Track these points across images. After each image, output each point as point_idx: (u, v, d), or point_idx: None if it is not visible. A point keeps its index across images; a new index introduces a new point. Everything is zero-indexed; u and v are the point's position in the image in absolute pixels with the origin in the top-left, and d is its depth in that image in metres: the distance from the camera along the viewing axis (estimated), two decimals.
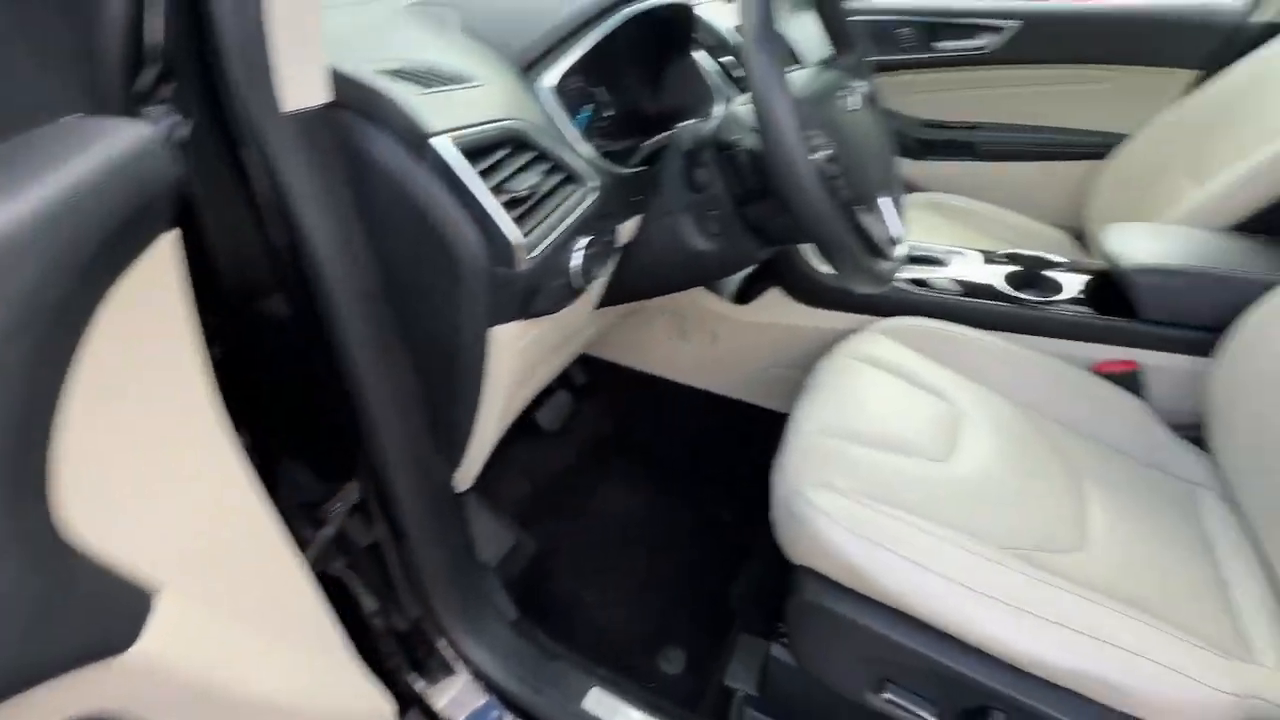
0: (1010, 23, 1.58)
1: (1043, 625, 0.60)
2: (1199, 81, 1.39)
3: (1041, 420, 0.89)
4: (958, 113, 1.73)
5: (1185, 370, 0.90)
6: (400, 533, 0.71)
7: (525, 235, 0.52)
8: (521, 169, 0.55)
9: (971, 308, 1.02)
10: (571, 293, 0.60)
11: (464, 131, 0.51)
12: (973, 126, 1.72)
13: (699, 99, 0.89)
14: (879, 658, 0.68)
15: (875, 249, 0.72)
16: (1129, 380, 0.93)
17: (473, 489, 0.84)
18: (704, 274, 0.78)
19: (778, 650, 0.80)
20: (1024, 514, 0.73)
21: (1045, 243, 1.43)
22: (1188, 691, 0.55)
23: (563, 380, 1.34)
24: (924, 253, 1.13)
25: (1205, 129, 1.24)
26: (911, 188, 1.78)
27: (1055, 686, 0.59)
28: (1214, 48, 1.41)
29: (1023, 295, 1.00)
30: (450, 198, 0.50)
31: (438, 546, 0.75)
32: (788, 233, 0.69)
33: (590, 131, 0.82)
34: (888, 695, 0.68)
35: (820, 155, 0.60)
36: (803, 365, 0.98)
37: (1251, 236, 1.00)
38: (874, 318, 1.04)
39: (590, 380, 1.41)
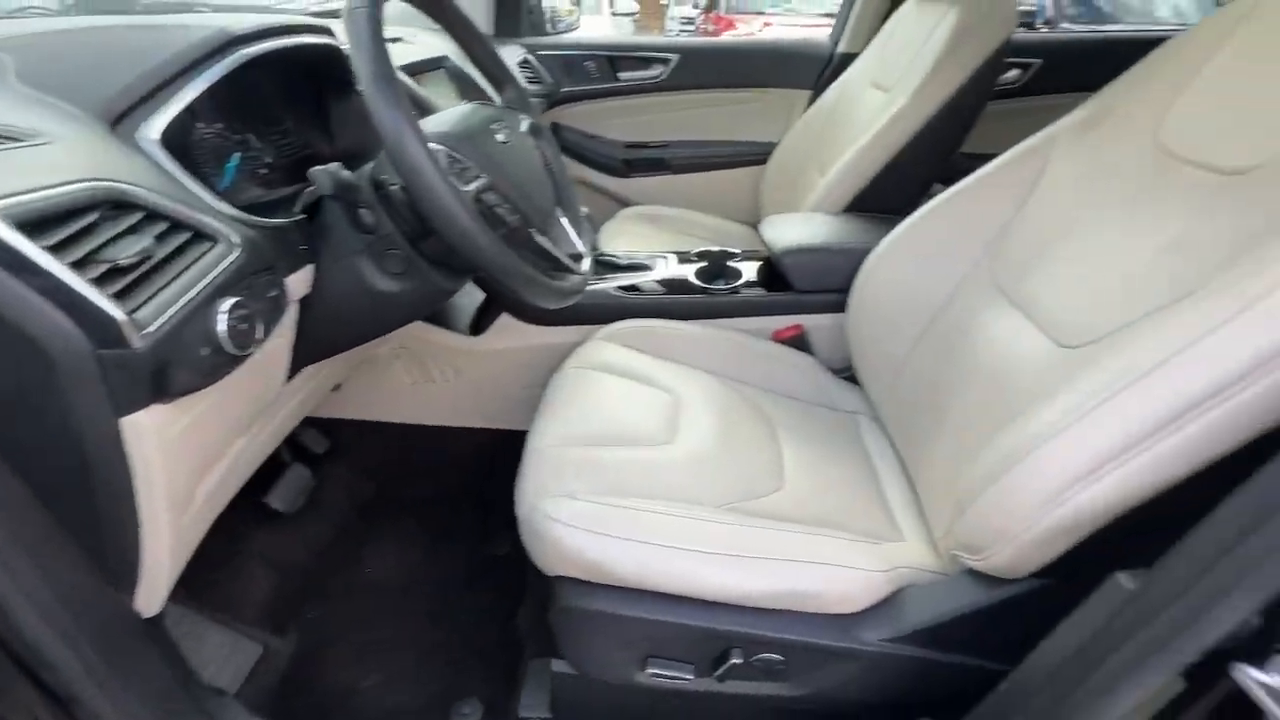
0: (672, 55, 1.83)
1: (754, 563, 0.69)
2: (813, 98, 1.75)
3: (741, 387, 1.04)
4: (652, 133, 1.95)
5: (834, 326, 1.13)
6: (68, 698, 0.57)
7: (137, 308, 0.46)
8: (126, 233, 0.48)
9: (674, 303, 1.15)
10: (229, 360, 0.54)
11: (22, 199, 0.43)
12: (665, 144, 1.95)
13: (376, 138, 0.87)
14: (637, 638, 0.73)
15: (561, 265, 0.78)
16: (799, 341, 1.14)
17: (183, 604, 0.71)
18: (402, 313, 0.77)
19: (558, 664, 0.82)
20: (734, 472, 0.84)
21: (734, 238, 1.67)
22: (854, 580, 0.68)
23: (297, 453, 1.20)
24: (633, 261, 1.25)
25: (821, 134, 1.57)
26: (624, 202, 1.96)
27: (772, 611, 0.70)
28: (817, 72, 1.80)
29: (712, 286, 1.16)
30: (16, 281, 0.42)
31: (129, 695, 0.62)
32: (472, 263, 0.71)
33: (243, 181, 0.75)
34: (651, 670, 0.73)
35: (474, 186, 0.63)
36: (545, 383, 1.01)
37: (859, 215, 1.29)
38: (598, 326, 1.12)
39: (334, 445, 1.28)
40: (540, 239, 0.73)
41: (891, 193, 1.27)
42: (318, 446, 1.23)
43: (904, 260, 0.97)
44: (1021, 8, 4.88)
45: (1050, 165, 0.85)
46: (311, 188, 0.65)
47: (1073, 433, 0.55)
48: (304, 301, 0.69)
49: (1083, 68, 1.59)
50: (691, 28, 7.97)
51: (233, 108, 0.74)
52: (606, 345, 1.06)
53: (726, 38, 5.57)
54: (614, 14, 6.38)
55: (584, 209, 1.17)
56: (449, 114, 0.72)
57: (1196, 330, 0.51)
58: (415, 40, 1.19)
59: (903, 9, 1.45)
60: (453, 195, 0.56)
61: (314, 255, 0.68)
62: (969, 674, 0.69)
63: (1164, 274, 0.61)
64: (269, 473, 1.14)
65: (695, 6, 9.01)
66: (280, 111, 0.84)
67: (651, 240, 1.60)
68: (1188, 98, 0.70)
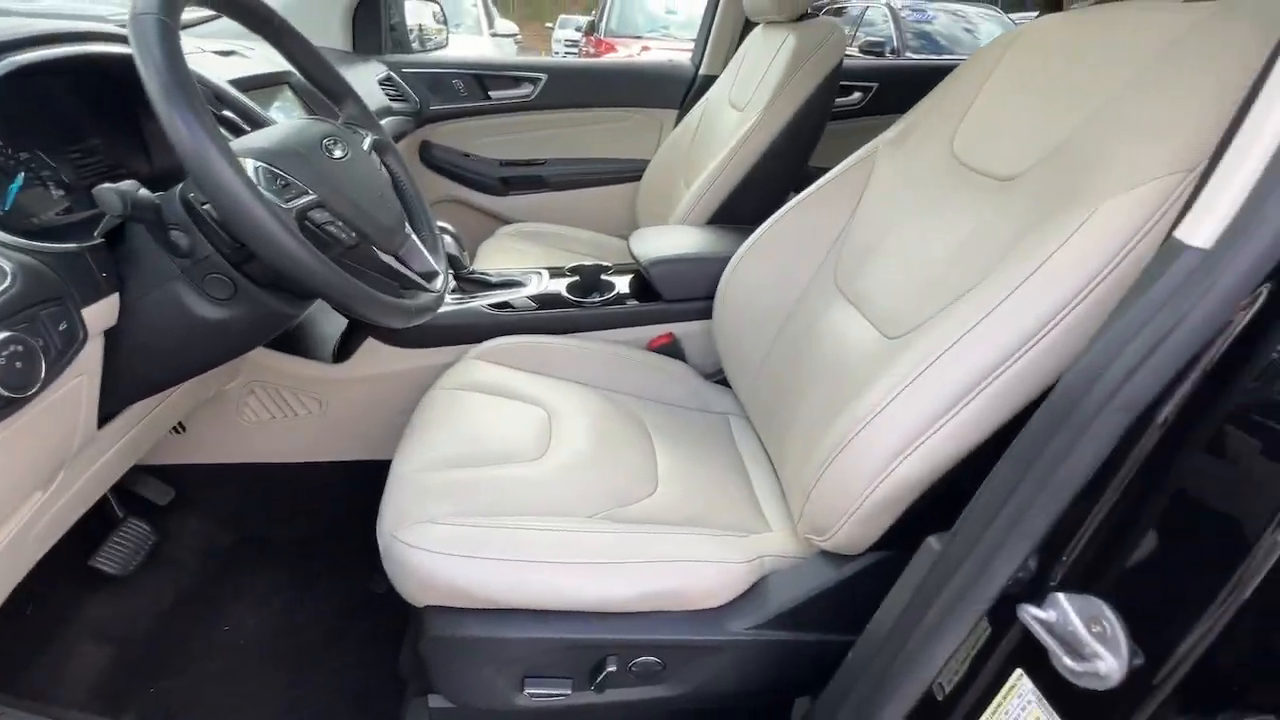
0: (540, 74, 1.85)
1: (623, 568, 0.70)
2: (679, 117, 1.83)
3: (616, 397, 1.05)
4: (527, 151, 1.95)
5: (703, 332, 1.17)
6: None
7: None
8: None
9: (548, 318, 1.15)
10: (4, 403, 0.48)
11: None
12: (542, 162, 1.96)
13: None
14: (512, 659, 0.71)
15: (411, 283, 0.76)
16: (672, 349, 1.17)
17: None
18: (236, 342, 0.71)
19: (435, 700, 0.78)
20: (607, 480, 0.85)
21: (612, 252, 1.70)
22: (718, 574, 0.71)
23: (133, 507, 1.08)
24: (505, 278, 1.24)
25: (687, 151, 1.64)
26: (503, 220, 1.94)
27: (644, 615, 0.70)
28: (682, 92, 1.88)
29: (585, 300, 1.17)
30: None
31: None
32: (300, 284, 0.67)
33: (32, 204, 0.67)
34: (530, 690, 0.72)
35: (298, 203, 0.60)
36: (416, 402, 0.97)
37: (722, 226, 1.35)
38: (470, 346, 1.10)
39: (180, 494, 1.16)
40: (385, 257, 0.71)
41: (750, 204, 1.35)
42: (159, 497, 1.11)
43: (759, 266, 1.03)
44: (873, 39, 5.44)
45: (874, 175, 0.94)
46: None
47: (888, 413, 0.61)
48: (110, 334, 0.63)
49: (911, 91, 1.80)
50: (576, 50, 8.10)
51: (15, 123, 0.66)
52: (477, 364, 1.03)
53: (608, 59, 5.72)
54: (494, 35, 6.37)
55: (447, 225, 1.15)
56: (273, 129, 0.68)
57: (977, 316, 0.58)
58: (251, 54, 1.12)
59: (753, 34, 1.55)
60: (267, 213, 0.53)
61: (119, 283, 0.61)
62: (831, 651, 0.73)
63: (959, 268, 0.69)
64: (98, 532, 1.01)
65: (577, 30, 9.17)
66: (86, 127, 0.76)
67: (529, 257, 1.59)
68: (971, 115, 0.81)
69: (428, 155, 1.90)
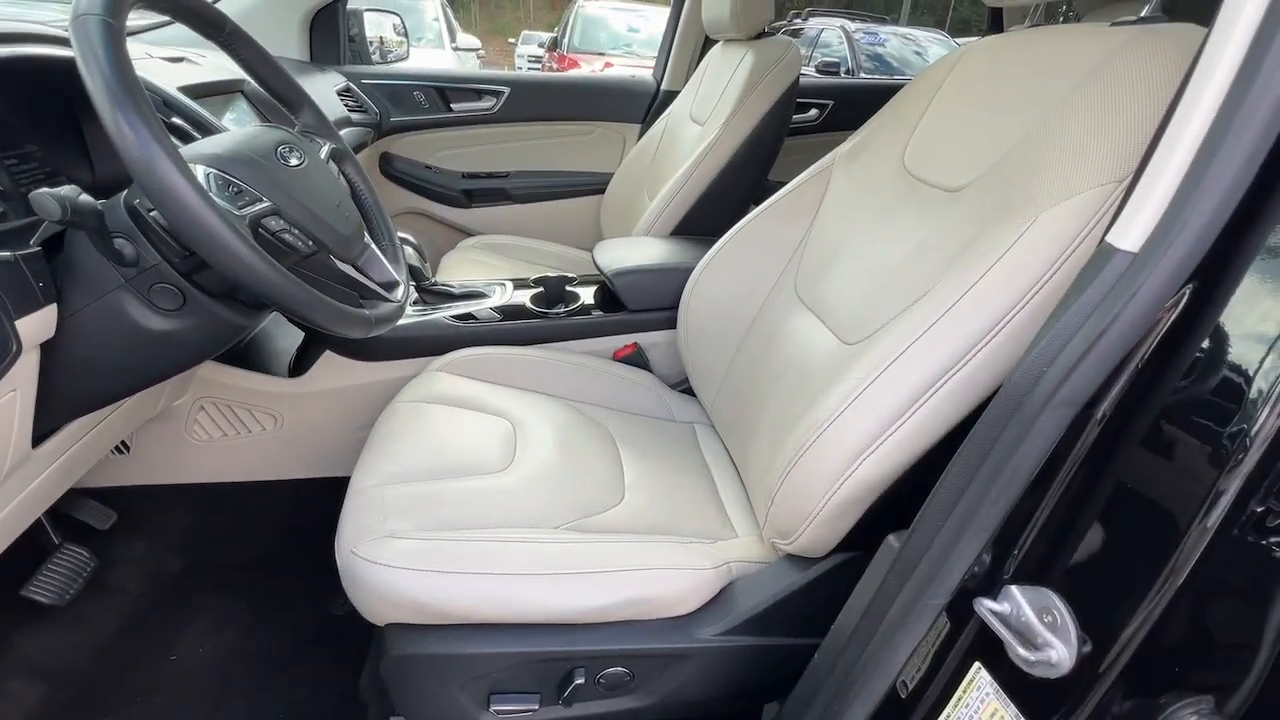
0: (503, 87, 1.85)
1: (589, 578, 0.70)
2: (642, 131, 1.85)
3: (582, 407, 1.05)
4: (490, 164, 1.94)
5: (667, 341, 1.18)
6: None
7: None
8: None
9: (512, 329, 1.14)
10: None
11: None
12: (505, 175, 1.95)
13: None
14: (477, 676, 0.70)
15: (370, 293, 0.74)
16: (637, 358, 1.18)
17: None
18: (185, 355, 0.69)
19: None
20: (573, 490, 0.84)
21: (577, 264, 1.70)
22: (685, 580, 0.71)
23: (70, 532, 1.02)
24: (468, 289, 1.23)
25: (651, 164, 1.66)
26: (467, 233, 1.93)
27: (611, 624, 0.70)
28: (644, 106, 1.91)
29: (550, 311, 1.17)
30: None
31: None
32: (253, 293, 0.66)
33: None
34: (496, 708, 0.70)
35: (252, 210, 0.59)
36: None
37: (685, 237, 1.37)
38: (432, 358, 1.08)
39: (124, 518, 1.11)
40: (344, 266, 0.70)
41: (712, 216, 1.37)
42: (100, 521, 1.06)
43: (721, 277, 1.04)
44: (829, 60, 5.63)
45: (830, 187, 0.97)
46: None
47: (846, 417, 0.62)
48: (47, 347, 0.60)
49: (865, 108, 1.88)
50: (539, 65, 8.14)
51: None
52: (440, 376, 1.02)
53: (571, 74, 5.76)
54: (456, 49, 6.35)
55: (408, 236, 1.13)
56: (225, 136, 0.66)
57: (928, 321, 0.60)
58: (203, 61, 1.09)
59: (712, 51, 1.59)
60: (219, 219, 0.52)
61: (57, 294, 0.59)
62: (798, 654, 0.74)
63: (911, 276, 0.71)
64: (32, 559, 0.95)
65: (540, 45, 9.22)
66: (23, 133, 0.73)
67: (493, 269, 1.58)
68: (920, 129, 0.84)
69: (388, 167, 1.88)
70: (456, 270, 1.56)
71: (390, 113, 1.78)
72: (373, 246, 0.78)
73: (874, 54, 6.01)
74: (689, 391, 1.15)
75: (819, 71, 5.10)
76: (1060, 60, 0.68)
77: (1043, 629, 0.44)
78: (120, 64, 0.50)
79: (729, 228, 1.06)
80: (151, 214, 0.58)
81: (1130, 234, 0.41)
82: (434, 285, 1.19)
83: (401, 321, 1.12)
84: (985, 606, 0.46)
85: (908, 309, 0.68)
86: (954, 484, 0.48)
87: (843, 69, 5.58)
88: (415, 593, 0.66)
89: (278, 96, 0.79)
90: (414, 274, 1.16)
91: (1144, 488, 0.40)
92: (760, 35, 1.41)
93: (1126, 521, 0.41)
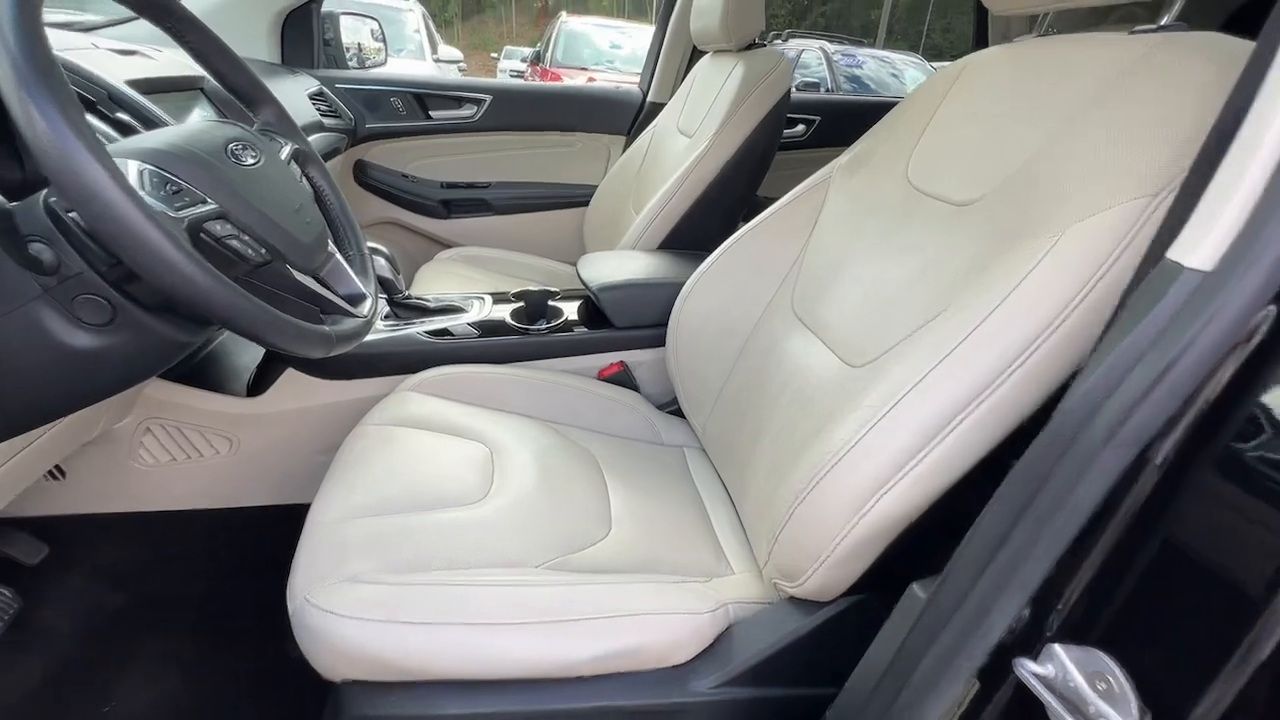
0: (485, 95, 1.80)
1: (576, 626, 0.62)
2: (628, 143, 1.81)
3: (566, 430, 0.98)
4: (470, 174, 1.88)
5: (656, 360, 1.12)
6: None
7: None
8: None
9: (490, 346, 1.07)
10: None
11: None
12: (485, 185, 1.89)
13: None
14: None
15: (333, 308, 0.67)
16: (623, 378, 1.11)
17: None
18: (116, 375, 0.61)
19: None
20: (556, 523, 0.77)
21: (559, 278, 1.64)
22: (681, 627, 0.64)
23: None
24: (444, 303, 1.15)
25: (637, 176, 1.62)
26: (445, 244, 1.85)
27: (599, 678, 0.63)
28: (630, 118, 1.87)
29: (532, 327, 1.10)
30: None
31: None
32: (192, 305, 0.58)
33: None
34: None
35: (193, 213, 0.52)
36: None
37: (673, 251, 1.32)
38: (404, 376, 1.01)
39: (57, 551, 1.01)
40: (302, 278, 0.63)
41: (701, 230, 1.32)
42: (28, 555, 0.95)
43: (713, 293, 0.99)
44: (808, 80, 5.71)
45: (828, 202, 0.92)
46: None
47: (861, 449, 0.56)
48: None
49: (852, 125, 1.91)
50: (522, 79, 8.12)
51: None
52: (412, 396, 0.95)
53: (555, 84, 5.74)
54: (437, 60, 6.30)
55: (380, 246, 1.06)
56: (168, 129, 0.59)
57: (947, 346, 0.55)
58: (158, 56, 1.02)
59: (701, 62, 1.55)
60: (146, 219, 0.45)
61: None
62: (802, 707, 0.67)
63: (920, 295, 0.67)
64: None
65: (523, 60, 9.21)
66: None
67: (471, 283, 1.51)
68: (924, 142, 0.80)
69: (363, 175, 1.80)
70: (433, 283, 1.49)
71: (366, 119, 1.72)
72: (337, 256, 0.71)
73: (852, 75, 6.10)
74: (678, 413, 1.09)
75: (798, 91, 5.16)
76: (1077, 69, 0.64)
77: (1095, 696, 0.38)
78: (31, 39, 0.43)
79: (719, 242, 1.01)
80: (70, 215, 0.51)
81: (1200, 250, 0.36)
82: (407, 298, 1.11)
83: (371, 337, 1.05)
84: (1026, 668, 0.41)
85: (919, 330, 0.63)
86: (993, 529, 0.43)
87: (822, 89, 5.65)
88: (377, 648, 0.58)
89: (235, 91, 0.72)
90: (385, 286, 1.09)
91: (1218, 544, 0.35)
92: (750, 46, 1.38)
93: (1196, 581, 0.36)
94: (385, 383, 1.02)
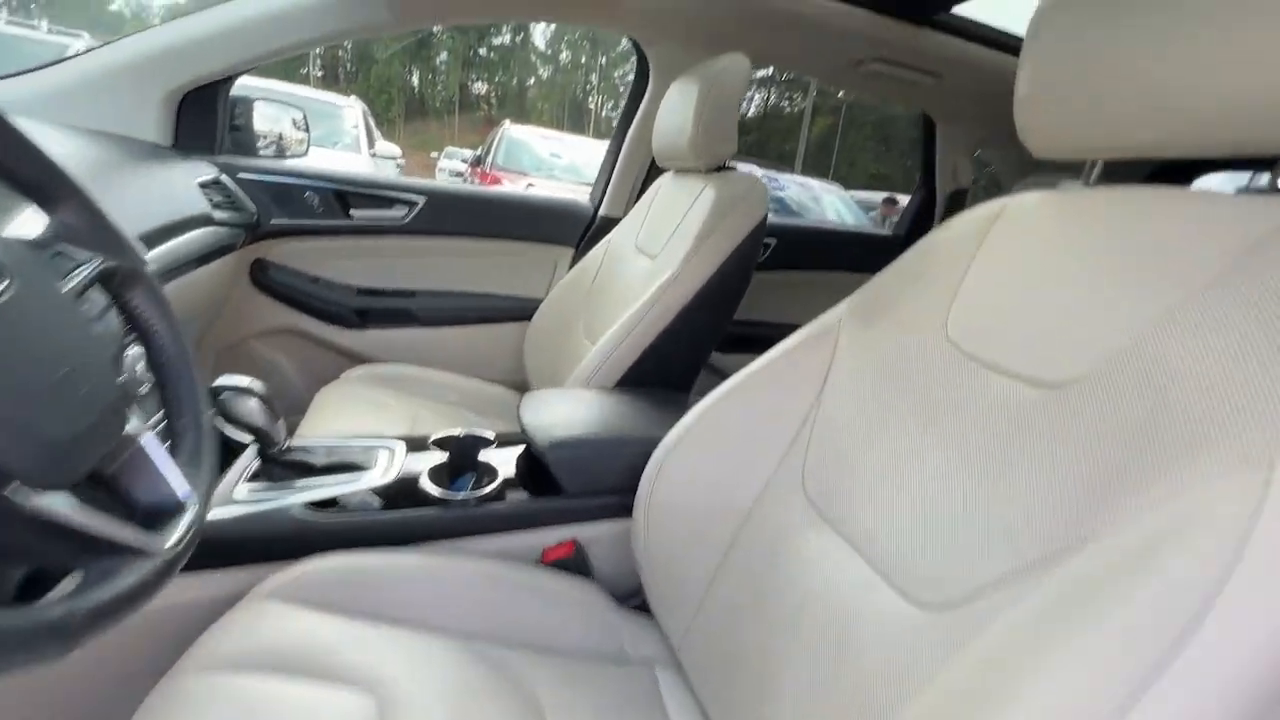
0: (418, 196, 1.61)
1: None
2: (576, 257, 1.65)
3: (491, 651, 0.70)
4: (393, 280, 1.65)
5: (616, 535, 0.88)
6: None
7: None
8: None
9: (397, 521, 0.80)
10: None
11: None
12: (411, 294, 1.66)
13: None
14: None
15: (106, 546, 0.41)
16: (575, 562, 0.86)
17: None
18: None
19: None
20: None
21: (493, 404, 1.40)
22: None
23: None
24: (336, 458, 0.88)
25: (589, 296, 1.44)
26: (357, 359, 1.58)
27: None
28: (579, 231, 1.72)
29: (455, 496, 0.84)
30: None
31: None
32: None
33: None
34: None
35: None
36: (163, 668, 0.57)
37: (637, 391, 1.11)
38: (270, 565, 0.71)
39: None
40: (47, 500, 0.36)
41: (669, 365, 1.13)
42: None
43: (696, 461, 0.78)
44: None
45: (838, 359, 0.75)
46: None
47: None
48: None
49: (807, 249, 2.05)
50: (462, 180, 8.16)
51: None
52: (271, 608, 0.65)
53: (496, 189, 5.71)
54: (374, 155, 6.19)
55: (254, 385, 0.79)
56: None
57: (1105, 601, 0.35)
58: None
59: (663, 179, 1.44)
60: None
61: None
62: None
63: (1012, 509, 0.48)
64: None
65: (463, 161, 9.34)
66: None
67: (383, 410, 1.24)
68: (965, 296, 0.65)
69: (262, 275, 1.53)
70: (332, 414, 1.21)
71: (272, 212, 1.47)
72: (146, 438, 0.45)
73: (775, 198, 6.50)
74: (643, 607, 0.84)
75: None
76: (1188, 232, 0.51)
77: None
78: None
79: (684, 380, 0.81)
80: None
81: None
82: (286, 453, 0.83)
83: (227, 511, 0.76)
84: None
85: (1038, 566, 0.43)
86: None
87: None
88: None
89: (17, 182, 0.47)
90: (259, 437, 0.81)
91: None
92: (721, 168, 1.27)
93: None
94: (236, 578, 0.72)
